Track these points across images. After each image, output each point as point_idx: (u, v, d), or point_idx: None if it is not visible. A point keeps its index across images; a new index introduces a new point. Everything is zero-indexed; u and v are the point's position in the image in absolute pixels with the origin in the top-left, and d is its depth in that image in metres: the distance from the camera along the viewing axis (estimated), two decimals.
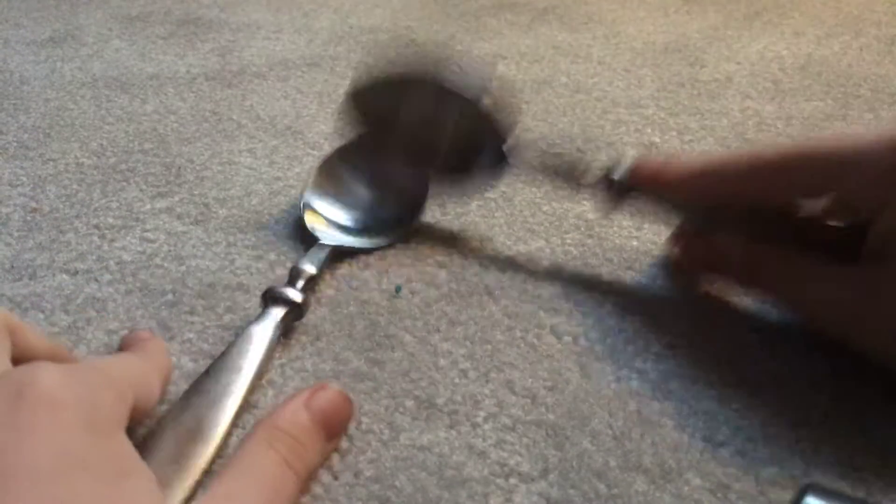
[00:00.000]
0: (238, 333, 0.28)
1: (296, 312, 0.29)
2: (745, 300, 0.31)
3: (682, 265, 0.32)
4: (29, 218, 0.36)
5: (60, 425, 0.17)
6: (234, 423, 0.25)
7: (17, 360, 0.22)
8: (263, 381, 0.27)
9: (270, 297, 0.29)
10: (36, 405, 0.17)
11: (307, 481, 0.23)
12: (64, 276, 0.32)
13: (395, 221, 0.35)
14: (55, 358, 0.24)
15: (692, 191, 0.30)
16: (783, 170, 0.28)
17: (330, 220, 0.35)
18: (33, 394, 0.18)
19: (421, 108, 0.34)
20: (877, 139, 0.26)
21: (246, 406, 0.26)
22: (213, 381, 0.25)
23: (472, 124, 0.33)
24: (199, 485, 0.23)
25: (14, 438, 0.17)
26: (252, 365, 0.26)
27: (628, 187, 0.31)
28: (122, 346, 0.27)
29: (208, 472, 0.23)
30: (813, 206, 0.30)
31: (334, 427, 0.24)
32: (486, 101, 0.33)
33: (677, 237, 0.32)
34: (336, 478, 0.24)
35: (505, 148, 0.33)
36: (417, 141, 0.34)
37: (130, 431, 0.21)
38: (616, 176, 0.32)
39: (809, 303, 0.28)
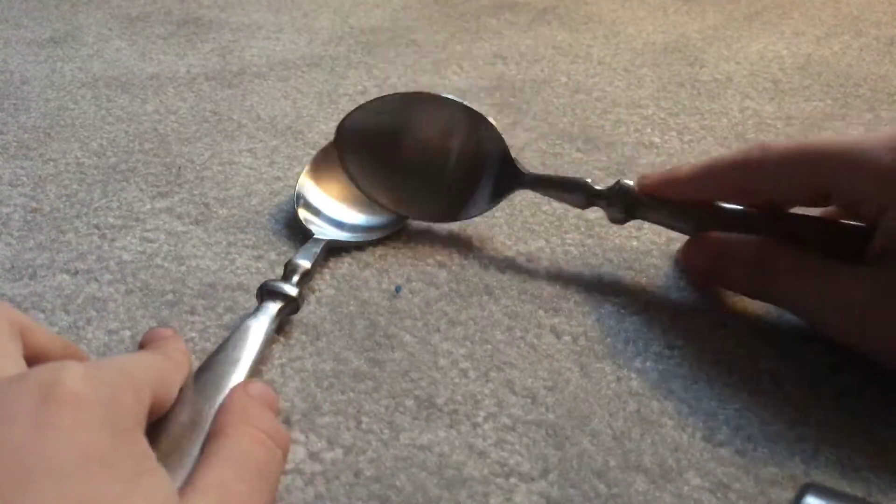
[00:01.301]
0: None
1: (291, 306, 0.29)
2: (744, 300, 0.31)
3: (690, 272, 0.32)
4: (29, 218, 0.36)
5: (83, 424, 0.18)
6: None
7: (30, 359, 0.22)
8: (263, 381, 0.27)
9: (266, 292, 0.29)
10: (60, 404, 0.18)
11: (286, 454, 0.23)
12: (64, 275, 0.32)
13: (389, 216, 0.35)
14: (68, 356, 0.24)
15: (698, 190, 0.30)
16: (788, 167, 0.28)
17: (324, 214, 0.35)
18: (58, 393, 0.18)
19: (425, 120, 0.34)
20: (878, 140, 0.26)
21: None
22: (211, 374, 0.26)
23: (477, 137, 0.33)
24: None
25: (37, 437, 0.17)
26: (248, 358, 0.26)
27: (636, 198, 0.31)
28: (143, 343, 0.27)
29: None
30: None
31: (273, 405, 0.24)
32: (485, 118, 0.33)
33: (687, 246, 0.32)
34: (337, 477, 0.24)
35: (513, 163, 0.33)
36: (425, 155, 0.34)
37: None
38: (623, 187, 0.31)
39: (822, 302, 0.27)
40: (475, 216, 0.34)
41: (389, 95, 0.35)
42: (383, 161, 0.34)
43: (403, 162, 0.34)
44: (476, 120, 0.33)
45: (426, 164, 0.34)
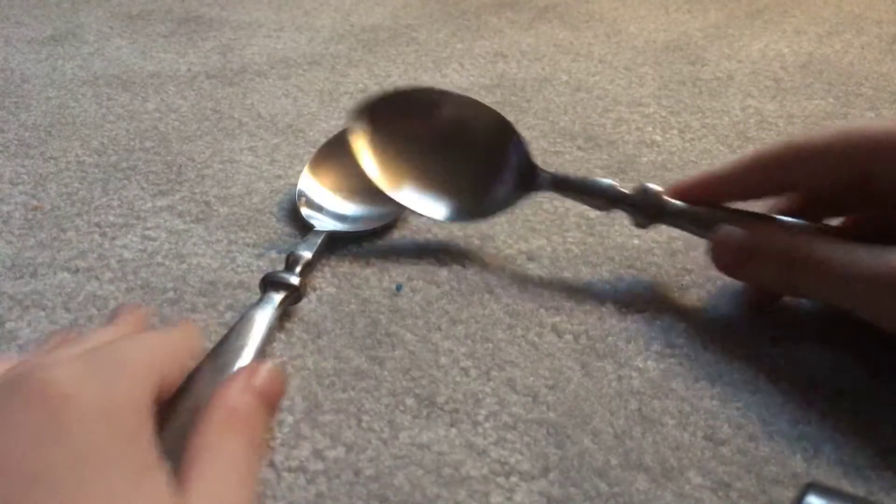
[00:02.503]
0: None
1: (294, 296, 0.30)
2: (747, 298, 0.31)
3: (720, 262, 0.30)
4: (30, 216, 0.36)
5: (79, 425, 0.17)
6: None
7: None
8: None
9: (269, 282, 0.29)
10: (55, 406, 0.17)
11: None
12: (65, 273, 0.32)
13: (389, 207, 0.35)
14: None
15: (736, 188, 0.30)
16: (829, 152, 0.28)
17: (326, 209, 0.35)
18: (50, 393, 0.18)
19: (445, 117, 0.33)
20: None
21: None
22: (216, 362, 0.26)
23: (498, 137, 0.33)
24: None
25: (33, 443, 0.17)
26: (252, 346, 0.27)
27: (662, 201, 0.30)
28: (112, 317, 0.26)
29: None
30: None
31: (275, 402, 0.24)
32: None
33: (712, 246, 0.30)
34: (338, 476, 0.24)
35: (533, 165, 0.32)
36: (443, 152, 0.33)
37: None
38: (649, 190, 0.30)
39: (872, 281, 0.25)
40: (489, 217, 0.33)
41: (410, 89, 0.34)
42: (400, 152, 0.33)
43: (422, 156, 0.33)
44: (497, 121, 0.33)
45: (443, 160, 0.33)
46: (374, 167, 0.33)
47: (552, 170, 0.33)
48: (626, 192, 0.31)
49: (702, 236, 0.30)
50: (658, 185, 0.31)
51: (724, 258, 0.29)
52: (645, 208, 0.30)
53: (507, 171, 0.33)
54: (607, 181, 0.31)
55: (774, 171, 0.29)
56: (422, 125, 0.33)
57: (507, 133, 0.33)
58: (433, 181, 0.33)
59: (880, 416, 0.26)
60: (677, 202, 0.30)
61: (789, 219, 0.30)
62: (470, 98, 0.33)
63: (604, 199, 0.31)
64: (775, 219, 0.30)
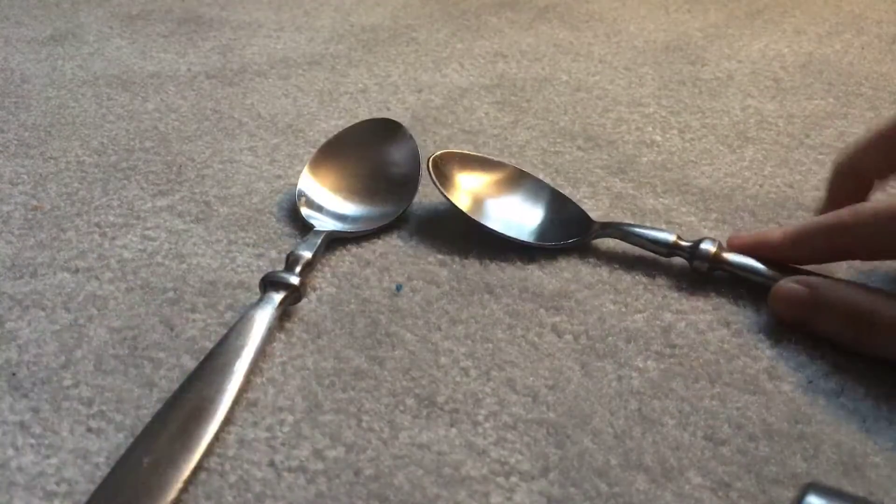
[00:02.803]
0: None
1: (294, 296, 0.30)
2: (743, 300, 0.31)
3: (781, 316, 0.30)
4: (30, 216, 0.36)
5: None
6: (236, 402, 0.26)
7: None
8: (264, 379, 0.27)
9: (269, 282, 0.30)
10: None
11: None
12: (65, 273, 0.32)
13: (389, 207, 0.36)
14: None
15: (790, 254, 0.30)
16: (881, 227, 0.28)
17: (326, 209, 0.35)
18: None
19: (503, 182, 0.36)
20: None
21: (246, 386, 0.27)
22: (216, 362, 0.26)
23: (551, 201, 0.36)
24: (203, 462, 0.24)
25: None
26: (252, 346, 0.27)
27: (720, 255, 0.31)
28: None
29: (211, 450, 0.24)
30: None
31: None
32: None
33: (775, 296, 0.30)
34: (338, 476, 0.24)
35: (585, 219, 0.34)
36: (507, 212, 0.35)
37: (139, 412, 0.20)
38: (707, 245, 0.31)
39: None
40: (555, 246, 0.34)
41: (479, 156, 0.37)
42: (473, 190, 0.36)
43: (495, 193, 0.36)
44: (559, 196, 0.36)
45: (511, 201, 0.36)
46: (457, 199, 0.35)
47: (598, 217, 0.36)
48: (685, 244, 0.32)
49: (765, 285, 0.31)
50: (715, 240, 0.32)
51: (785, 312, 0.30)
52: (702, 259, 0.32)
53: (564, 223, 0.35)
54: (667, 235, 0.32)
55: (826, 246, 0.30)
56: (482, 179, 0.36)
57: (563, 200, 0.36)
58: (510, 213, 0.35)
59: (880, 416, 0.26)
60: (737, 256, 0.31)
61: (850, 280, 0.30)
62: (520, 171, 0.36)
63: (662, 247, 0.32)
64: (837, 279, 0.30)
